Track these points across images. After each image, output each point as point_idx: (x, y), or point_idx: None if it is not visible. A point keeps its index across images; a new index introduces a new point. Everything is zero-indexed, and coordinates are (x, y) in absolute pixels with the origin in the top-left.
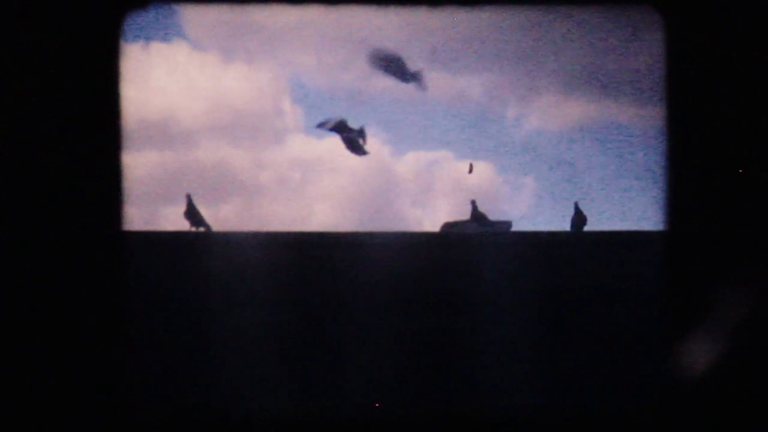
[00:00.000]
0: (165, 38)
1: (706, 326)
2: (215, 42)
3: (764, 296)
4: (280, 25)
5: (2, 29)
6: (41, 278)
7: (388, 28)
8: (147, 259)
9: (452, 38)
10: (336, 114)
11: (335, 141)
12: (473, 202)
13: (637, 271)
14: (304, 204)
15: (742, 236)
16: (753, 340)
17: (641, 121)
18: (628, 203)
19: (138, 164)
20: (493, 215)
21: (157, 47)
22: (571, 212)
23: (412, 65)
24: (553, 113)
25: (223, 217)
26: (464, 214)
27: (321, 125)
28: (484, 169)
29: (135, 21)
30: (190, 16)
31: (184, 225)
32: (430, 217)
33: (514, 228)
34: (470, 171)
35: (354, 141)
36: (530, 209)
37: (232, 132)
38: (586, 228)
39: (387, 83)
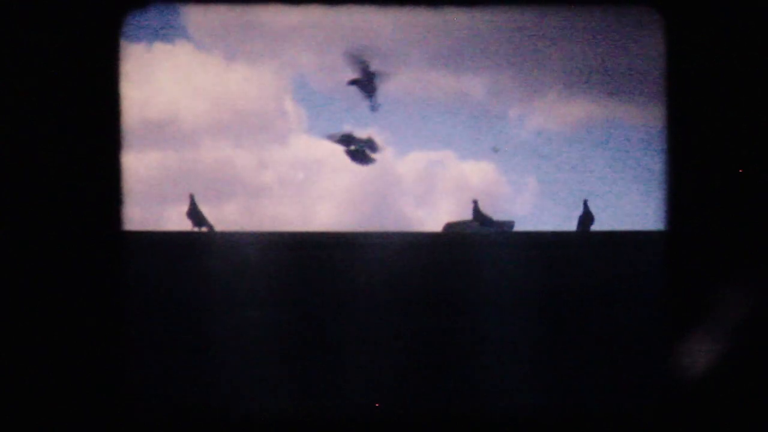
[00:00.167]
0: (166, 38)
1: (706, 326)
2: (217, 42)
3: (764, 296)
4: (282, 25)
5: (2, 29)
6: (41, 278)
7: (391, 28)
8: (147, 259)
9: (452, 38)
10: (340, 115)
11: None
12: (475, 202)
13: (637, 271)
14: (307, 204)
15: (742, 236)
16: (753, 340)
17: (642, 121)
18: (629, 203)
19: (139, 164)
20: (495, 215)
21: (157, 47)
22: (573, 211)
23: (382, 66)
24: (554, 113)
25: (225, 217)
26: (466, 214)
27: (330, 137)
28: (486, 169)
29: (135, 21)
30: (191, 15)
31: (186, 225)
32: (433, 217)
33: (516, 228)
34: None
35: (359, 153)
36: (532, 209)
37: (234, 132)
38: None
39: (389, 84)
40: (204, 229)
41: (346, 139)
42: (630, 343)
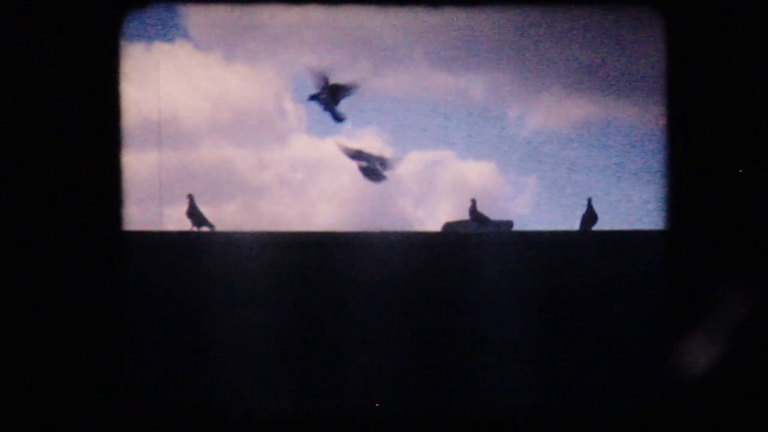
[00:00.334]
0: (165, 38)
1: (706, 326)
2: (216, 42)
3: (764, 296)
4: (281, 25)
5: (2, 29)
6: (41, 278)
7: (391, 28)
8: (147, 259)
9: (452, 38)
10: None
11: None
12: (473, 202)
13: (637, 271)
14: (306, 204)
15: (742, 236)
16: (753, 340)
17: (642, 121)
18: (629, 203)
19: (139, 164)
20: (494, 215)
21: (157, 47)
22: (572, 211)
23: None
24: (554, 113)
25: (225, 216)
26: (466, 214)
27: (344, 151)
28: (485, 169)
29: (135, 21)
30: (191, 16)
31: (186, 225)
32: (432, 216)
33: (516, 227)
34: None
35: (371, 171)
36: (531, 208)
37: (233, 132)
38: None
39: (389, 83)
40: (205, 228)
41: (358, 155)
42: (629, 343)
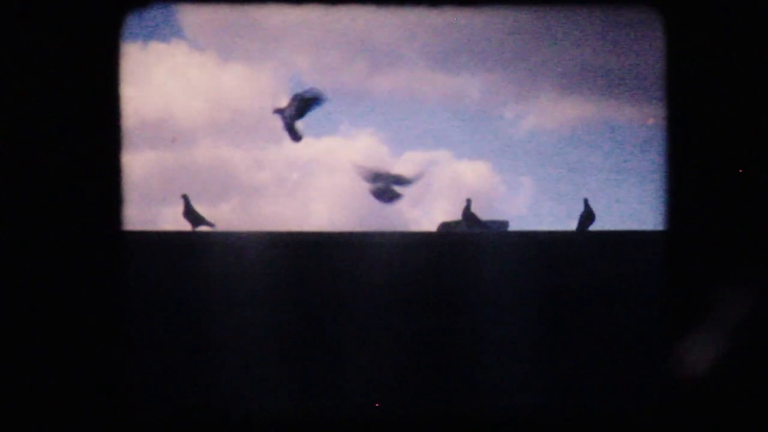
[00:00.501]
0: (164, 38)
1: (706, 326)
2: (215, 42)
3: (764, 296)
4: (279, 25)
5: (2, 29)
6: (41, 278)
7: (388, 28)
8: (147, 259)
9: (451, 38)
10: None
11: (334, 141)
12: (468, 202)
13: (636, 271)
14: (303, 204)
15: (742, 236)
16: (753, 340)
17: (641, 121)
18: (628, 203)
19: (138, 164)
20: (490, 215)
21: (156, 47)
22: (569, 211)
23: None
24: (552, 113)
25: (222, 216)
26: (460, 214)
27: (360, 173)
28: (482, 169)
29: (135, 21)
30: (190, 16)
31: (184, 225)
32: (428, 216)
33: (511, 227)
34: None
35: (385, 192)
36: (528, 209)
37: (231, 132)
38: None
39: (386, 83)
40: (204, 227)
41: (375, 177)
42: (629, 344)
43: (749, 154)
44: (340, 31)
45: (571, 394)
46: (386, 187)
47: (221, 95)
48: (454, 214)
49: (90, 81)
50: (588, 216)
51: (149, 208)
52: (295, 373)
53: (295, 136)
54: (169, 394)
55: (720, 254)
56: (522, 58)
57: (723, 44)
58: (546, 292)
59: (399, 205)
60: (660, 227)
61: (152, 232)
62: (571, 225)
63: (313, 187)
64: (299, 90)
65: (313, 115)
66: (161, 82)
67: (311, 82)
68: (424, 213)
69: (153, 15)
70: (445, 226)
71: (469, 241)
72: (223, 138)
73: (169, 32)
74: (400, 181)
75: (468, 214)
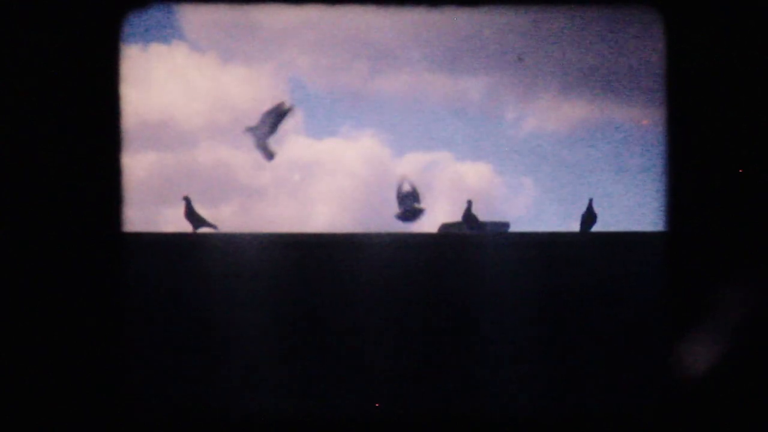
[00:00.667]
0: (164, 39)
1: (707, 327)
2: (215, 43)
3: (764, 296)
4: (280, 26)
5: (2, 29)
6: (41, 279)
7: (389, 29)
8: (147, 260)
9: (451, 39)
10: (337, 116)
11: (335, 142)
12: (468, 203)
13: (636, 273)
14: (304, 205)
15: (742, 236)
16: (753, 340)
17: (641, 121)
18: (628, 204)
19: (138, 165)
20: (491, 216)
21: (156, 48)
22: (570, 212)
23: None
24: (552, 114)
25: (223, 218)
26: (461, 216)
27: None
28: (483, 170)
29: (135, 22)
30: (190, 16)
31: (184, 226)
32: (429, 217)
33: (513, 228)
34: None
35: (413, 211)
36: (529, 210)
37: (231, 133)
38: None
39: (387, 84)
40: (206, 229)
41: (408, 197)
42: (630, 344)
43: (749, 154)
44: (341, 32)
45: (571, 395)
46: (410, 208)
47: (222, 96)
48: (454, 215)
49: (90, 81)
50: (590, 217)
51: (150, 209)
52: (295, 373)
53: (268, 155)
54: (169, 394)
55: (720, 254)
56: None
57: (723, 44)
58: (546, 293)
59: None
60: (660, 227)
61: (152, 234)
62: (573, 226)
63: (314, 189)
64: (299, 91)
65: (314, 117)
66: (161, 83)
67: (312, 83)
68: (425, 214)
69: (153, 16)
70: (447, 227)
71: (470, 242)
72: (224, 139)
73: (169, 33)
74: (418, 197)
75: (469, 215)
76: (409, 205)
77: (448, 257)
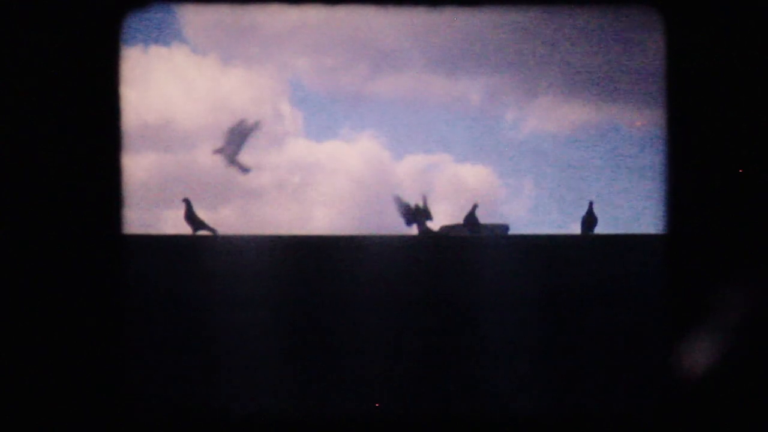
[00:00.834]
0: (164, 41)
1: (707, 328)
2: (215, 44)
3: (764, 296)
4: (279, 27)
5: (2, 29)
6: (41, 280)
7: (389, 30)
8: (147, 262)
9: (451, 39)
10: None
11: (334, 144)
12: (474, 206)
13: (637, 274)
14: (304, 207)
15: (742, 238)
16: (753, 341)
17: (641, 122)
18: (628, 205)
19: (138, 167)
20: (491, 218)
21: (156, 50)
22: (570, 214)
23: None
24: (552, 115)
25: (223, 220)
26: (462, 217)
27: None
28: (482, 172)
29: (135, 22)
30: (190, 17)
31: (184, 228)
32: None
33: (512, 230)
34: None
35: (425, 231)
36: (529, 212)
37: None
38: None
39: (386, 86)
40: (205, 232)
41: (424, 214)
42: (630, 345)
43: (749, 155)
44: (341, 33)
45: (571, 395)
46: (425, 228)
47: (222, 98)
48: (454, 217)
49: (90, 82)
50: (591, 219)
51: (150, 211)
52: (295, 373)
53: (243, 170)
54: (169, 394)
55: (720, 256)
56: (522, 60)
57: (723, 44)
58: (546, 295)
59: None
60: (661, 228)
61: (152, 236)
62: (573, 228)
63: (314, 191)
64: (299, 92)
65: (315, 119)
66: (161, 84)
67: (312, 84)
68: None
69: (153, 17)
70: (446, 230)
71: (470, 244)
72: (224, 141)
73: (170, 34)
74: (430, 214)
75: (471, 218)
76: (422, 223)
77: (447, 259)
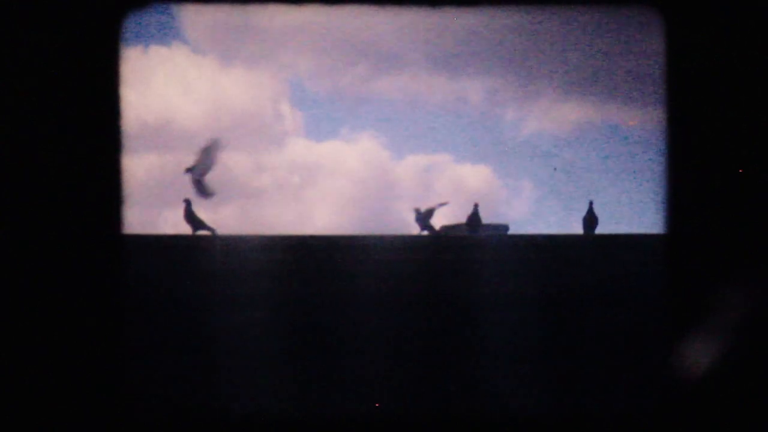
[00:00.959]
0: (164, 41)
1: (707, 328)
2: (215, 44)
3: (764, 296)
4: (279, 27)
5: (2, 29)
6: (41, 280)
7: (389, 30)
8: (147, 262)
9: (451, 40)
10: (337, 118)
11: (334, 144)
12: (475, 206)
13: (636, 275)
14: (304, 207)
15: (742, 238)
16: (753, 341)
17: (641, 122)
18: (628, 205)
19: (138, 167)
20: (491, 218)
21: (156, 50)
22: (570, 215)
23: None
24: (552, 115)
25: (223, 220)
26: (462, 217)
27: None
28: (483, 173)
29: (135, 22)
30: (190, 17)
31: (184, 228)
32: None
33: (513, 230)
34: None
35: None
36: (529, 211)
37: (231, 135)
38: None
39: (386, 86)
40: (204, 232)
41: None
42: (630, 345)
43: (749, 155)
44: (341, 33)
45: (571, 395)
46: (434, 230)
47: (222, 98)
48: (454, 217)
49: (90, 82)
50: (592, 219)
51: (149, 210)
52: (295, 374)
53: (206, 193)
54: (169, 394)
55: (720, 256)
56: (522, 60)
57: (723, 45)
58: (546, 295)
59: (400, 209)
60: (661, 228)
61: (152, 236)
62: (573, 228)
63: (315, 191)
64: (299, 93)
65: (314, 119)
66: (161, 84)
67: (312, 84)
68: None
69: (153, 17)
70: (446, 229)
71: (467, 244)
72: (223, 141)
73: (170, 34)
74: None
75: (473, 218)
76: (433, 227)
77: (447, 259)
